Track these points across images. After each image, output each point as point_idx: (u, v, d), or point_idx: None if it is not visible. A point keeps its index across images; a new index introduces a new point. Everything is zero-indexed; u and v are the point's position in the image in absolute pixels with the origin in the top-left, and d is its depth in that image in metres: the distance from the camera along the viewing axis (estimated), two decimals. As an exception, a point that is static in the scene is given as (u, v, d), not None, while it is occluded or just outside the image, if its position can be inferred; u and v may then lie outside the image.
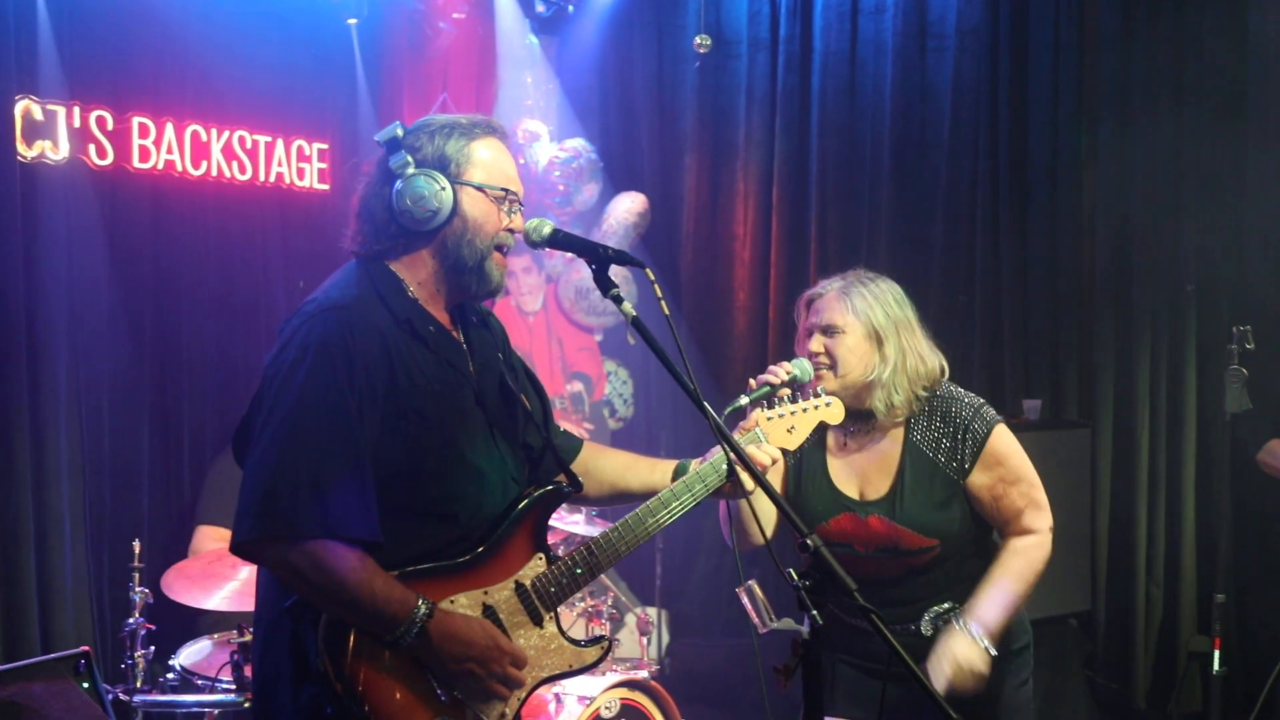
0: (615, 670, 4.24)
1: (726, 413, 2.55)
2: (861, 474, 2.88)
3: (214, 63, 4.48)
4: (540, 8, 5.86)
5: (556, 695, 4.03)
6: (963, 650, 2.64)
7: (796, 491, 2.89)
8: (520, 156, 5.80)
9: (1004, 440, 2.79)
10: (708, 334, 5.97)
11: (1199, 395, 5.24)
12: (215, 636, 3.76)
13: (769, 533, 2.77)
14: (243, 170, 4.61)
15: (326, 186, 4.86)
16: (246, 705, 3.44)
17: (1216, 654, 4.35)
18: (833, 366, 2.81)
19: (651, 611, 5.45)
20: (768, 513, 2.89)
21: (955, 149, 5.55)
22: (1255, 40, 5.13)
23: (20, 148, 3.95)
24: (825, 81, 5.77)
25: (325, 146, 4.88)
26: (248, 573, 3.53)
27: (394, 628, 2.11)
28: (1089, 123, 5.41)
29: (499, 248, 2.32)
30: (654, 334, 2.14)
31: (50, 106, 4.03)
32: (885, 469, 2.85)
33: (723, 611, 5.71)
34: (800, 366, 2.73)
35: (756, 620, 2.58)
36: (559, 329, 5.97)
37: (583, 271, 5.76)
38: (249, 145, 4.63)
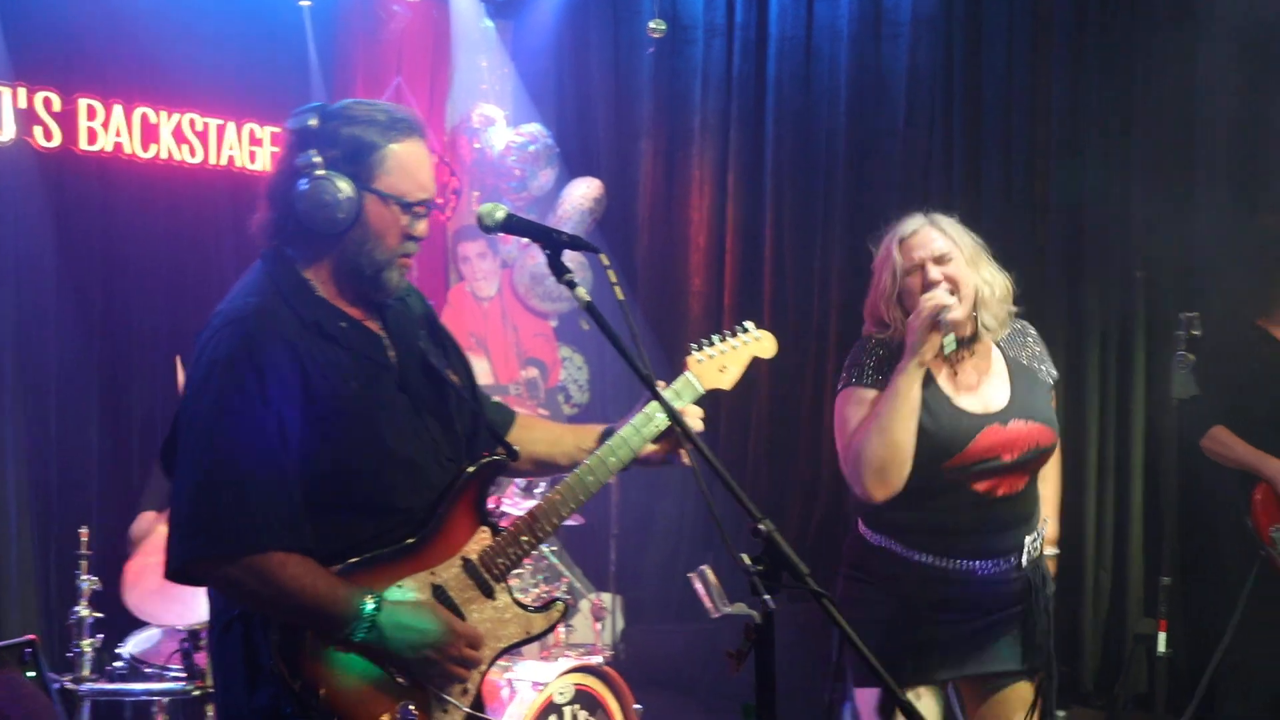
0: (569, 656, 4.21)
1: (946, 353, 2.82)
2: (980, 393, 2.96)
3: (164, 44, 4.42)
4: (496, -9, 5.85)
5: (510, 682, 3.97)
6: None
7: (937, 428, 2.90)
8: (476, 141, 5.77)
9: None
10: (662, 320, 5.95)
11: (1148, 381, 5.26)
12: (164, 624, 3.67)
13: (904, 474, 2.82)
14: (193, 153, 4.56)
15: (279, 170, 4.80)
16: (196, 694, 3.41)
17: (1162, 636, 4.40)
18: (955, 291, 2.89)
19: (606, 597, 5.44)
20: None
21: (910, 136, 5.57)
22: (1204, 19, 5.16)
23: (-36, 130, 3.91)
24: (781, 68, 5.78)
25: (278, 130, 4.80)
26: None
27: (343, 627, 2.11)
28: (1042, 110, 5.42)
29: (402, 255, 2.26)
30: (608, 320, 2.12)
31: (-6, 87, 3.99)
32: (998, 382, 2.98)
33: (677, 596, 5.70)
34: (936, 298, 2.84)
35: (709, 605, 2.59)
36: (514, 315, 5.95)
37: (538, 257, 5.73)
38: (199, 128, 4.58)
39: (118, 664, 3.58)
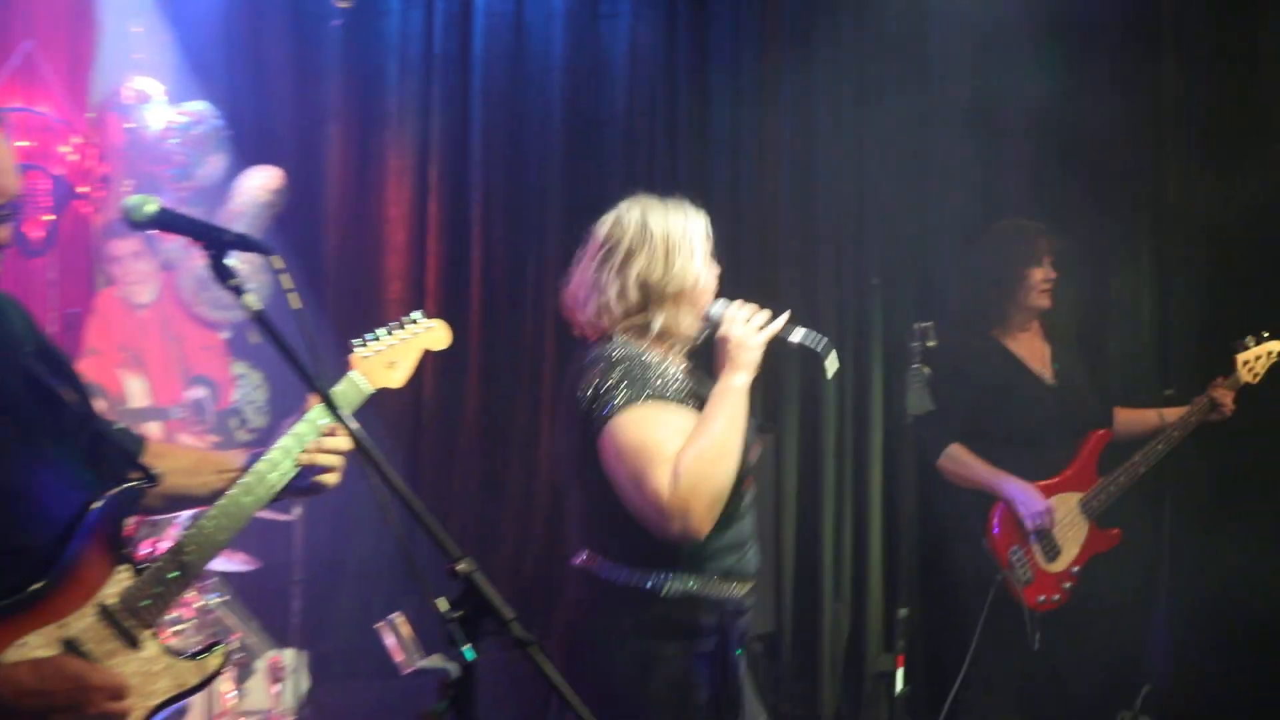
0: (244, 725, 4.11)
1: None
2: None
3: None
4: (151, -56, 5.61)
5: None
6: None
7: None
8: (128, 120, 5.52)
9: None
10: (356, 331, 5.48)
11: (885, 396, 5.54)
12: None
13: None
14: None
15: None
16: None
17: (900, 673, 4.54)
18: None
19: (288, 654, 5.29)
20: None
21: (631, 126, 5.68)
22: (934, 6, 5.52)
23: None
24: (489, 46, 5.77)
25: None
26: None
27: None
28: (772, 102, 5.63)
29: None
30: (286, 333, 2.07)
31: None
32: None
33: (372, 649, 5.55)
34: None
35: (400, 659, 2.56)
36: (177, 325, 5.70)
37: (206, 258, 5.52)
38: None
39: None
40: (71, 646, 2.15)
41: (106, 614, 2.20)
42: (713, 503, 2.80)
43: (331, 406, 2.05)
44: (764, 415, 5.61)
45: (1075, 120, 5.41)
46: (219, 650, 2.34)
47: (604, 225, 3.03)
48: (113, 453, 2.38)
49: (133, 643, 2.22)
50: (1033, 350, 4.77)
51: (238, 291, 2.09)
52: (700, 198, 5.56)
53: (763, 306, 3.01)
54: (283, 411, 6.02)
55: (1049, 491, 4.60)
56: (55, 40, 5.31)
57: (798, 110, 5.62)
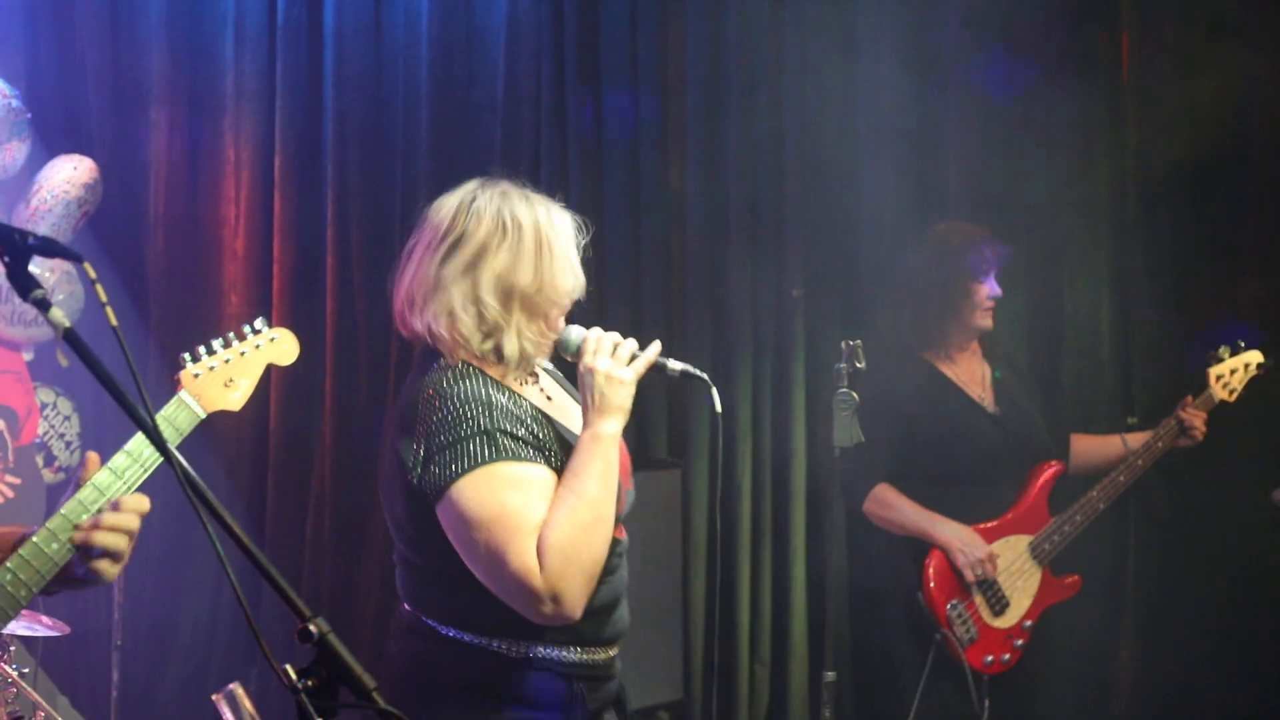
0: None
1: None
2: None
3: None
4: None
5: None
6: None
7: None
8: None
9: None
10: (186, 350, 5.61)
11: (809, 426, 5.54)
12: None
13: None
14: None
15: None
16: None
17: (828, 744, 4.66)
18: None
19: (106, 735, 5.23)
20: None
21: (512, 111, 5.65)
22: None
23: None
24: (342, 17, 5.72)
25: None
26: None
27: None
28: (676, 84, 5.64)
29: None
30: (102, 353, 2.02)
31: None
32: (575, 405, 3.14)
33: (208, 726, 5.54)
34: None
35: (239, 735, 2.54)
36: (-32, 345, 5.63)
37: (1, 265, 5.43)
38: None
39: None
40: None
41: None
42: (589, 580, 2.80)
43: (158, 441, 1.97)
44: (668, 448, 5.64)
45: (1023, 108, 5.48)
46: None
47: (445, 210, 2.96)
48: None
49: None
50: (971, 373, 4.83)
51: (42, 305, 2.03)
52: (593, 195, 5.72)
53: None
54: (98, 447, 5.89)
55: (992, 535, 4.66)
56: None
57: (705, 94, 5.62)
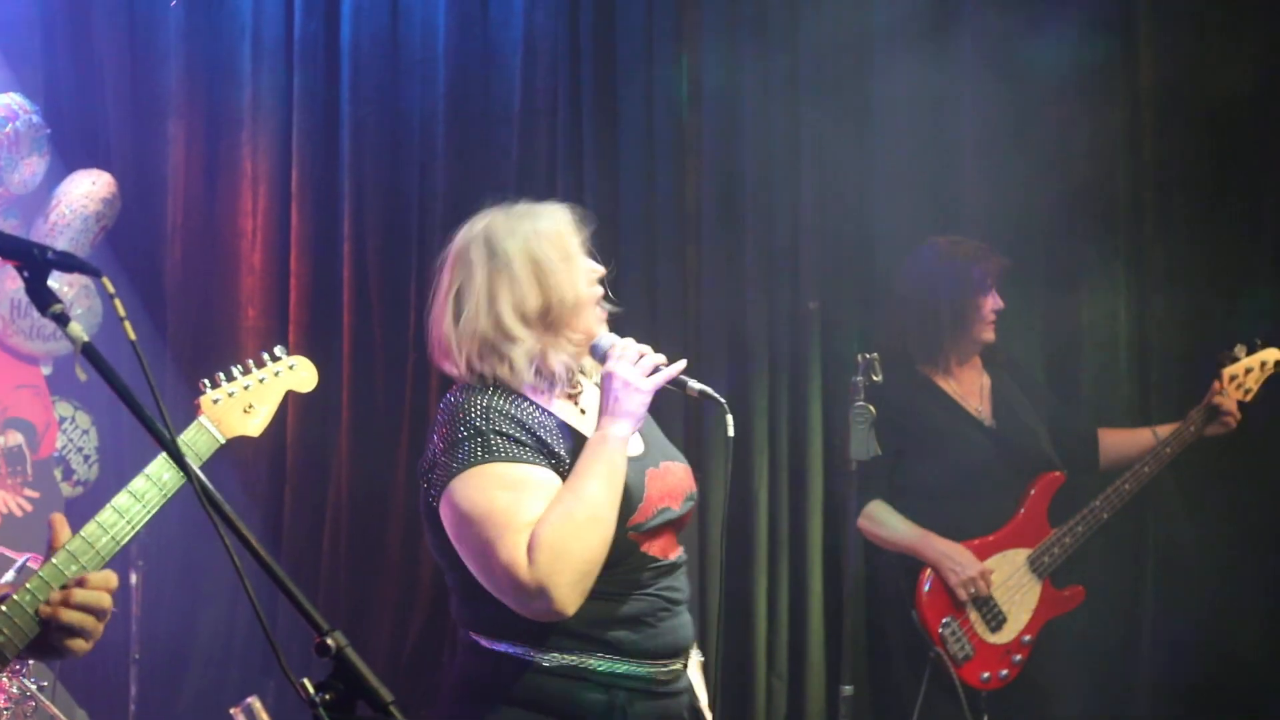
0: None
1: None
2: None
3: None
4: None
5: None
6: None
7: None
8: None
9: None
10: (204, 364, 5.54)
11: (825, 440, 5.46)
12: None
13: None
14: None
15: None
16: None
17: (844, 758, 4.62)
18: None
19: (124, 749, 5.24)
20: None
21: (528, 124, 5.63)
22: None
23: None
24: (359, 31, 5.74)
25: None
26: None
27: None
28: (693, 96, 5.60)
29: None
30: (119, 368, 2.02)
31: None
32: None
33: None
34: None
35: (259, 750, 2.54)
36: (-12, 359, 5.68)
37: (19, 280, 5.40)
38: None
39: None
40: None
41: None
42: (581, 576, 2.80)
43: (177, 456, 2.00)
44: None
45: (1039, 120, 5.42)
46: None
47: (444, 266, 3.06)
48: None
49: None
50: (969, 386, 4.84)
51: (61, 320, 2.04)
52: (610, 207, 5.66)
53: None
54: (115, 461, 5.94)
55: (986, 550, 4.66)
56: None
57: (723, 105, 5.59)
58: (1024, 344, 5.29)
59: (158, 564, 5.63)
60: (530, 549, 2.76)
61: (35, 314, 5.44)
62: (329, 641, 1.85)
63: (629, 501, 2.93)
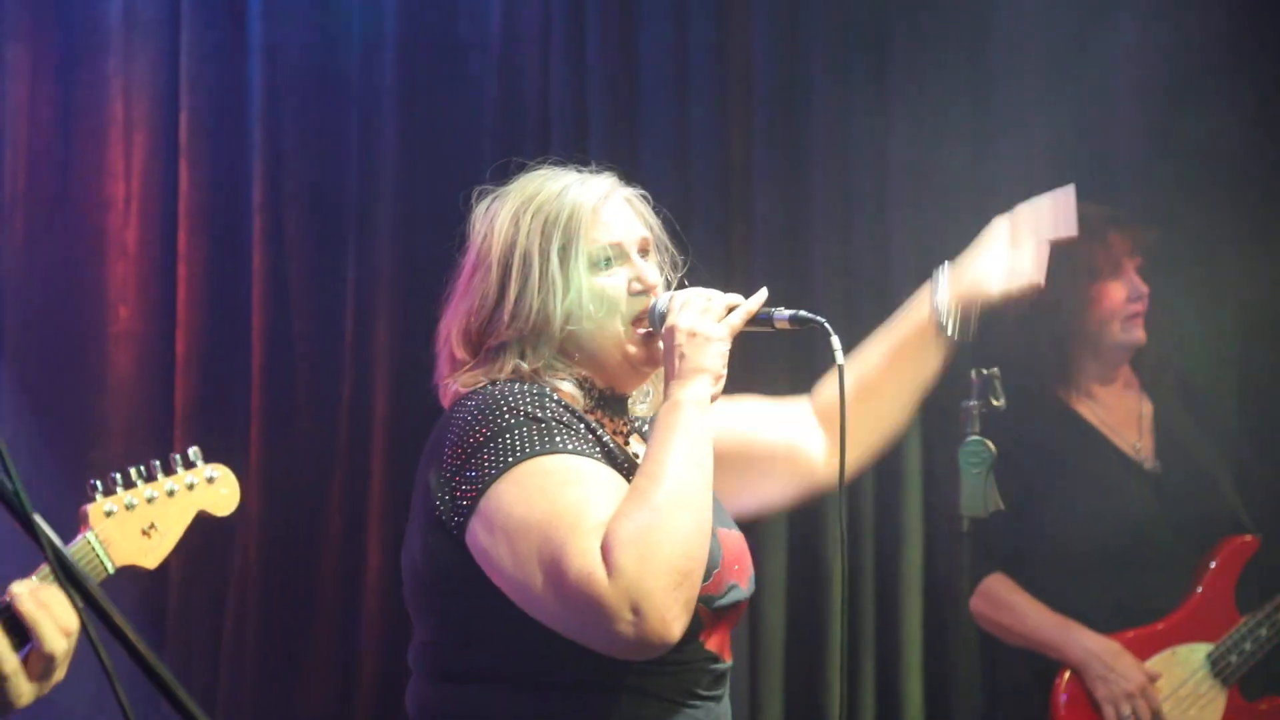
0: None
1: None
2: None
3: None
4: None
5: None
6: None
7: None
8: None
9: None
10: (57, 379, 5.64)
11: (925, 490, 5.37)
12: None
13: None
14: None
15: None
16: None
17: None
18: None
19: None
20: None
21: (511, 51, 5.60)
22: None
23: None
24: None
25: None
26: None
27: None
28: (741, 24, 5.62)
29: None
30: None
31: None
32: None
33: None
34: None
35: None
36: None
37: None
38: None
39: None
40: None
41: None
42: (680, 578, 2.69)
43: (65, 566, 2.00)
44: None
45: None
46: None
47: (474, 235, 3.10)
48: None
49: None
50: (1122, 413, 4.84)
51: None
52: (625, 165, 5.63)
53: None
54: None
55: (1150, 645, 4.61)
56: None
57: (783, 44, 5.55)
58: (1205, 357, 5.23)
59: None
60: (607, 553, 2.66)
61: None
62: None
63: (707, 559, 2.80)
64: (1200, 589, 4.68)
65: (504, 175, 3.19)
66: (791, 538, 5.49)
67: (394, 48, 5.65)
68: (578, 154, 4.88)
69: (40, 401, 5.68)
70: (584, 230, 3.01)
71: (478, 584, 2.79)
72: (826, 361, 3.39)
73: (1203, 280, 4.97)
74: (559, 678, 2.81)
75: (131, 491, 2.70)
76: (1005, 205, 5.02)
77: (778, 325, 3.05)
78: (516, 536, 2.75)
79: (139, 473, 2.72)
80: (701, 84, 5.59)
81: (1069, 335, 4.75)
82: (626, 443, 3.05)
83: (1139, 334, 4.72)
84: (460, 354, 3.02)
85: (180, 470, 2.79)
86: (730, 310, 2.99)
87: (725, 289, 3.05)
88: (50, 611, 2.46)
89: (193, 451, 2.87)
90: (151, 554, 2.73)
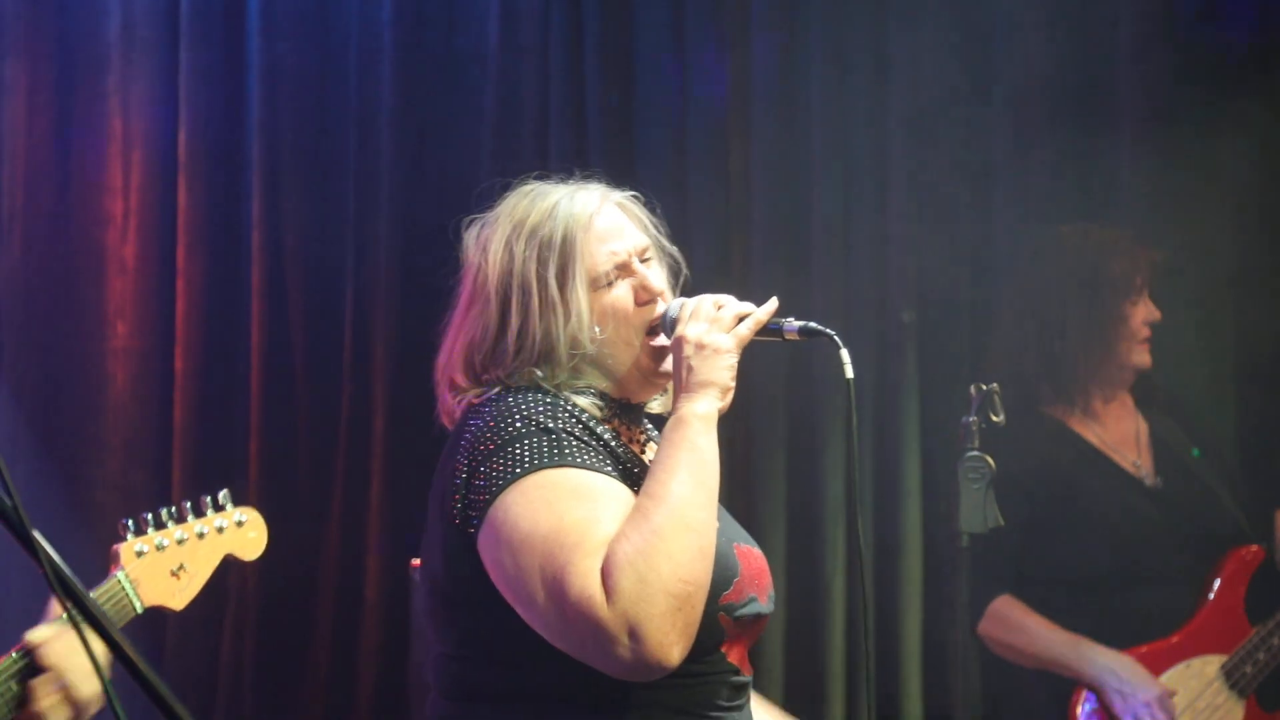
0: None
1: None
2: None
3: None
4: None
5: None
6: None
7: None
8: None
9: None
10: (55, 396, 5.69)
11: (925, 506, 5.38)
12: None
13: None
14: None
15: None
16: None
17: None
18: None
19: None
20: None
21: (509, 64, 5.62)
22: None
23: None
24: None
25: None
26: None
27: None
28: (739, 38, 5.62)
29: None
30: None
31: None
32: None
33: None
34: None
35: None
36: None
37: None
38: None
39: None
40: None
41: None
42: (679, 604, 2.69)
43: (63, 582, 1.97)
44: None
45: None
46: None
47: (468, 265, 3.11)
48: None
49: None
50: (1121, 433, 4.88)
51: None
52: (625, 184, 5.60)
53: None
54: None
55: (1163, 659, 4.64)
56: None
57: (780, 57, 5.59)
58: (1193, 372, 5.28)
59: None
60: (606, 575, 2.68)
61: None
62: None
63: (721, 571, 2.81)
64: (1211, 600, 4.72)
65: (492, 198, 3.21)
66: (790, 552, 5.54)
67: (391, 62, 5.68)
68: (575, 165, 4.96)
69: (39, 417, 5.69)
70: (580, 249, 3.00)
71: (496, 595, 2.82)
72: (825, 369, 3.43)
73: (1198, 301, 5.08)
74: (581, 695, 2.81)
75: (162, 533, 2.77)
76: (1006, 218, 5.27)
77: (787, 336, 3.06)
78: (520, 551, 2.76)
79: (169, 514, 2.78)
80: (702, 106, 5.64)
81: (1088, 354, 4.80)
82: (643, 450, 3.05)
83: (1147, 358, 4.78)
84: (464, 385, 3.03)
85: (210, 513, 2.87)
86: (740, 320, 2.99)
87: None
88: (77, 659, 2.47)
89: (223, 495, 2.93)
90: (179, 595, 2.79)
